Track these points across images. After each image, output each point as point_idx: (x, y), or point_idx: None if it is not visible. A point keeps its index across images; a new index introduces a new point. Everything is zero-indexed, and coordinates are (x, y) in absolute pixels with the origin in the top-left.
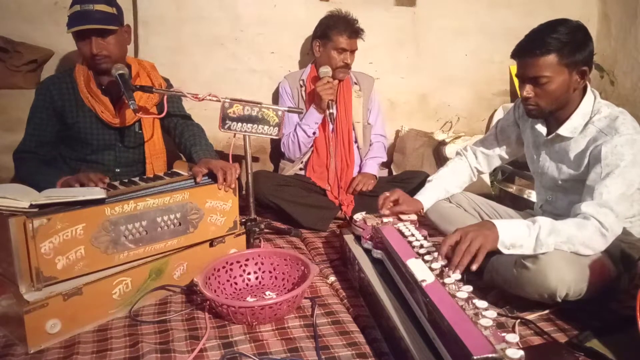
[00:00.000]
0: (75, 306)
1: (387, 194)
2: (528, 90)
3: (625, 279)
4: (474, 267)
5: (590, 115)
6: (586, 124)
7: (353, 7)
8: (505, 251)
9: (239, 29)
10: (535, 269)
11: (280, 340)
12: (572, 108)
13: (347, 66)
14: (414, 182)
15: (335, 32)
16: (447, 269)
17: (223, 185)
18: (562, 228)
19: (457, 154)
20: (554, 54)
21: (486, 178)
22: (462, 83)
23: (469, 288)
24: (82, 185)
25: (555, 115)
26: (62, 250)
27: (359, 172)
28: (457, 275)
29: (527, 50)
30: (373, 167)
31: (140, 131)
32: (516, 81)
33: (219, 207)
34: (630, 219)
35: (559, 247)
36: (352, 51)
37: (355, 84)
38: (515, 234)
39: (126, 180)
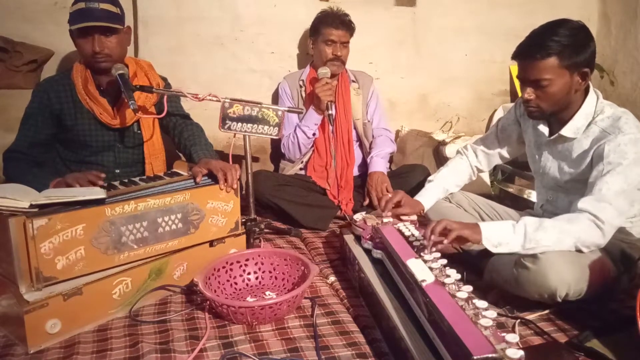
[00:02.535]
0: (75, 306)
1: (389, 195)
2: (529, 93)
3: (625, 279)
4: (446, 242)
5: (593, 115)
6: (589, 124)
7: (353, 7)
8: (493, 249)
9: (239, 29)
10: (535, 269)
11: (280, 340)
12: (575, 109)
13: (338, 58)
14: (411, 176)
15: (324, 25)
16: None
17: (225, 185)
18: (551, 223)
19: (458, 152)
20: (555, 57)
21: (486, 178)
22: (462, 83)
23: (469, 288)
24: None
25: (557, 116)
26: (62, 250)
27: (369, 173)
28: (457, 275)
29: (528, 52)
30: (379, 164)
31: (139, 131)
32: (516, 81)
33: (220, 208)
34: (630, 219)
35: (556, 244)
36: (343, 43)
37: (354, 81)
38: (500, 233)
39: (126, 181)
